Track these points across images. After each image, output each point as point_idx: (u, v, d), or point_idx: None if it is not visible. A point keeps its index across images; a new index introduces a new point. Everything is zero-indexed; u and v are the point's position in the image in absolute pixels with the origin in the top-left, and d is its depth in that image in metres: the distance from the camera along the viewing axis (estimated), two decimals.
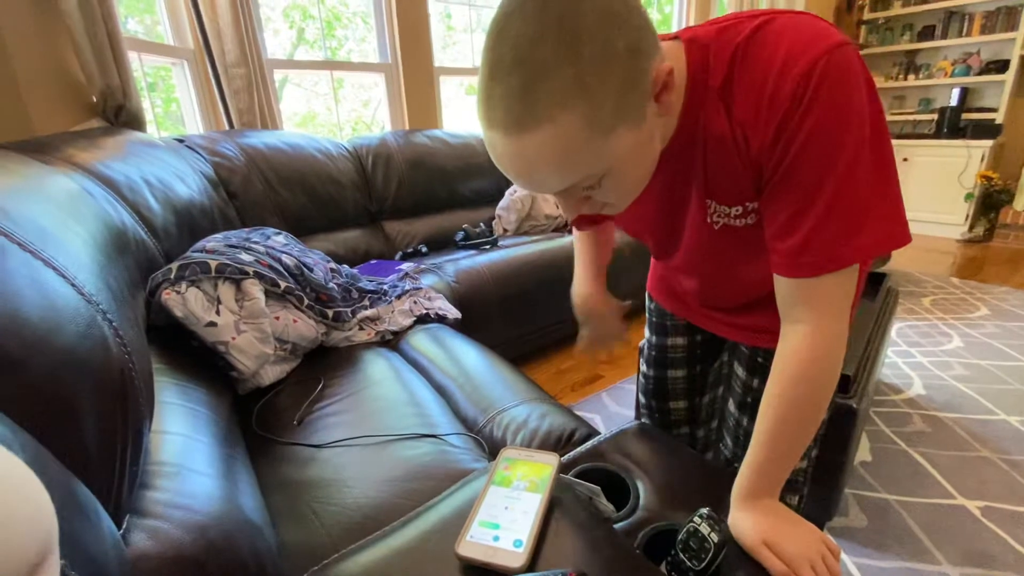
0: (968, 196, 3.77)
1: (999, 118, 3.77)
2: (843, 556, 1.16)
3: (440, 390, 1.15)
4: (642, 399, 1.03)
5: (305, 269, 1.31)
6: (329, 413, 1.00)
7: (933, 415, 1.70)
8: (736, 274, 0.69)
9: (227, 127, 2.06)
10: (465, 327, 1.53)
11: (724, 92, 0.51)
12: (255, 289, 1.13)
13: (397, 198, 2.30)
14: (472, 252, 2.08)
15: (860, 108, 0.48)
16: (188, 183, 1.48)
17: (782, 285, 0.56)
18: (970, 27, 3.90)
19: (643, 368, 1.00)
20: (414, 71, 2.54)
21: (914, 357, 2.09)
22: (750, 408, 0.83)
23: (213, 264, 1.09)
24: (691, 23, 3.49)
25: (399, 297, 1.55)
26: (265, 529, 0.66)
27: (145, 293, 1.02)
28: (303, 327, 1.22)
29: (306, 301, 1.25)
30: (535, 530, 0.56)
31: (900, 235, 0.52)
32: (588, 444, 0.82)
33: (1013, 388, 1.84)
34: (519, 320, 1.99)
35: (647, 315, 0.98)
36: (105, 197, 0.99)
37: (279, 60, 2.28)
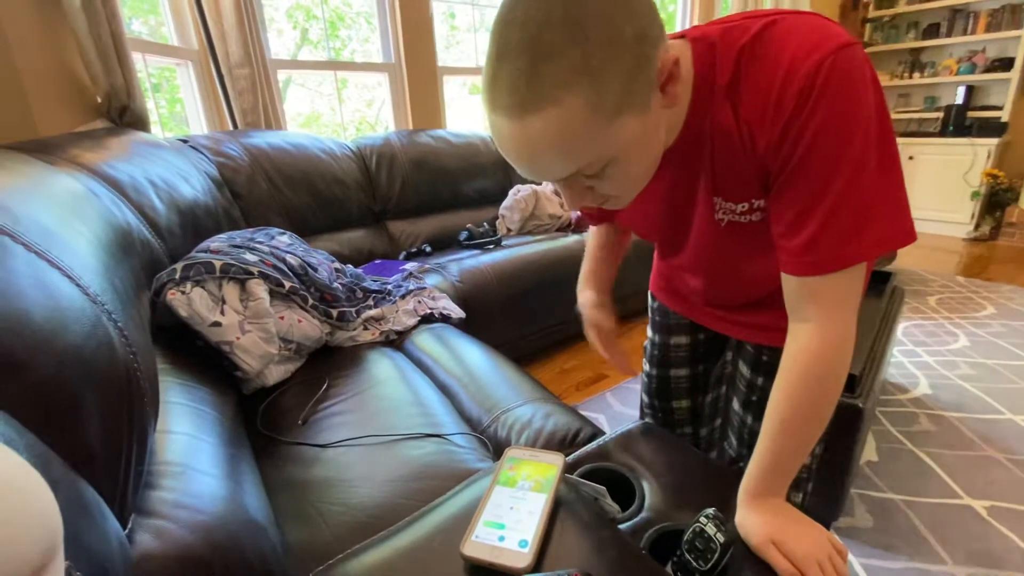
0: (974, 194, 3.74)
1: (1005, 116, 3.75)
2: (849, 556, 1.15)
3: (444, 390, 1.15)
4: (645, 398, 1.03)
5: (309, 269, 1.31)
6: (334, 413, 1.00)
7: (939, 415, 1.69)
8: (742, 271, 0.69)
9: (231, 127, 2.06)
10: (469, 327, 1.53)
11: (731, 91, 0.52)
12: (259, 289, 1.14)
13: (401, 198, 2.30)
14: (476, 252, 2.08)
15: (866, 108, 0.48)
16: (192, 183, 1.49)
17: (789, 283, 0.56)
18: (975, 25, 3.87)
19: (646, 367, 1.00)
20: (418, 71, 2.54)
21: (920, 356, 2.08)
22: (755, 407, 0.83)
23: (218, 264, 1.09)
24: (695, 23, 3.48)
25: (403, 297, 1.55)
26: (270, 529, 0.66)
27: (150, 293, 1.02)
28: (307, 327, 1.22)
29: (310, 301, 1.26)
30: (540, 530, 0.56)
31: (905, 233, 0.52)
32: (593, 444, 0.81)
33: (1020, 387, 1.83)
34: (523, 320, 1.99)
35: (650, 314, 0.98)
36: (110, 197, 1.00)
37: (283, 60, 2.28)
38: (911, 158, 3.91)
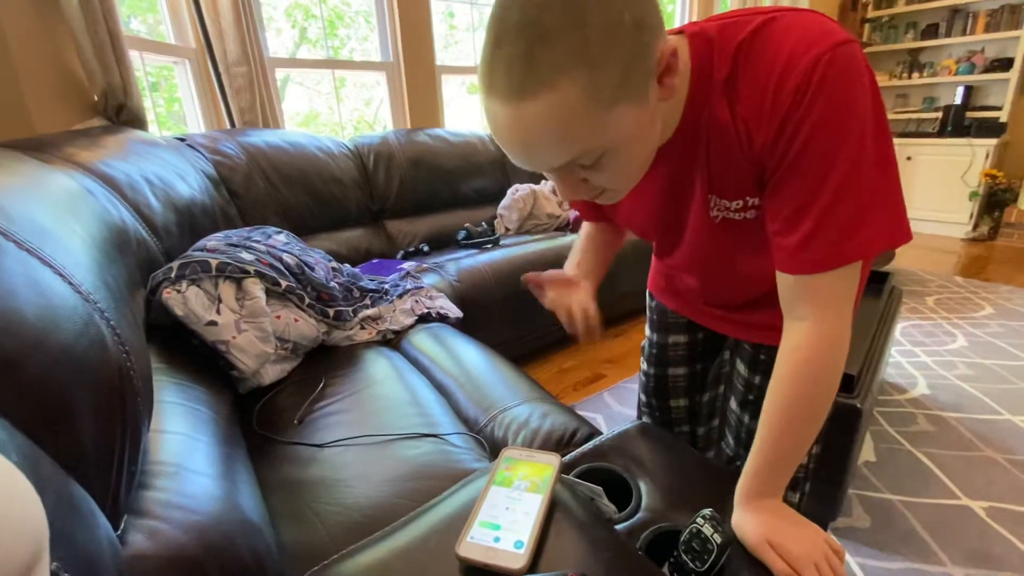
0: (972, 195, 3.74)
1: (1003, 116, 3.75)
2: (847, 557, 1.15)
3: (441, 389, 1.15)
4: (643, 397, 1.03)
5: (306, 268, 1.31)
6: (330, 412, 1.00)
7: (937, 415, 1.69)
8: (737, 270, 0.69)
9: (228, 126, 2.06)
10: (467, 326, 1.53)
11: (728, 87, 0.51)
12: (256, 288, 1.13)
13: (399, 197, 2.29)
14: (474, 251, 2.08)
15: (863, 106, 0.47)
16: (189, 182, 1.48)
17: (784, 281, 0.56)
18: (974, 25, 3.88)
19: (644, 366, 1.00)
20: (416, 70, 2.53)
21: (918, 357, 2.08)
22: (751, 406, 0.83)
23: (214, 263, 1.09)
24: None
25: (400, 296, 1.54)
26: (265, 529, 0.66)
27: (146, 292, 1.02)
28: (304, 326, 1.21)
29: (307, 300, 1.25)
30: (536, 531, 0.55)
31: (901, 232, 0.52)
32: (590, 444, 0.81)
33: (1018, 388, 1.83)
34: (521, 319, 1.98)
35: (648, 314, 0.98)
36: (105, 196, 0.99)
37: (280, 59, 2.28)
38: (909, 158, 3.91)
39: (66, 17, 1.46)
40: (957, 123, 3.83)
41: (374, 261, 2.05)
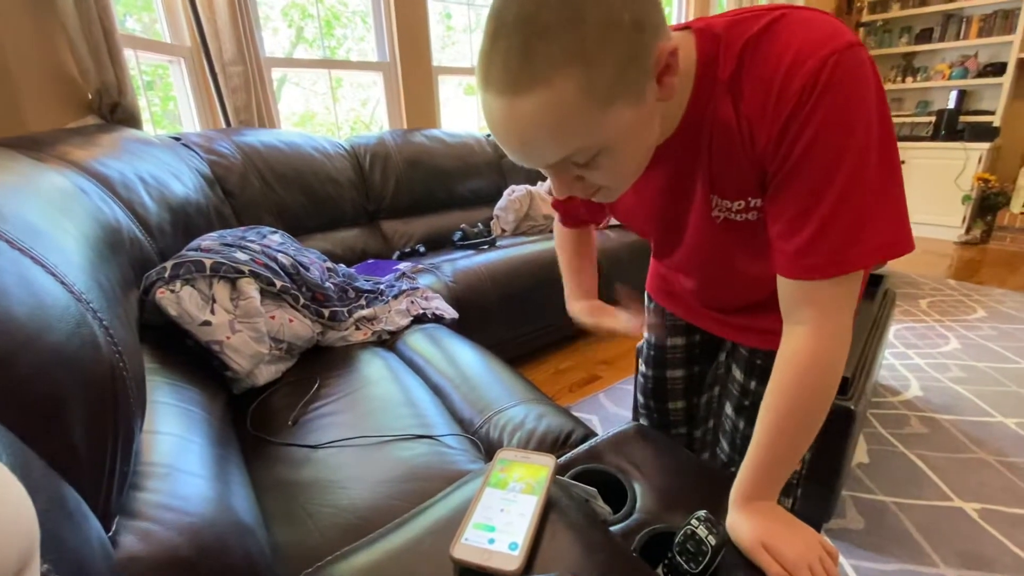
0: (965, 198, 3.77)
1: (996, 121, 3.78)
2: (840, 558, 1.16)
3: (437, 390, 1.15)
4: (640, 399, 1.03)
5: (301, 268, 1.30)
6: (324, 413, 1.00)
7: (930, 417, 1.70)
8: (736, 273, 0.68)
9: (224, 126, 2.05)
10: (462, 327, 1.52)
11: (732, 85, 0.51)
12: (250, 288, 1.13)
13: (395, 197, 2.29)
14: (470, 252, 2.08)
15: (868, 110, 0.47)
16: (184, 181, 1.48)
17: (785, 286, 0.55)
18: (968, 30, 3.91)
19: (642, 368, 1.00)
20: (413, 70, 2.53)
21: (911, 359, 2.09)
22: (747, 411, 0.83)
23: (208, 263, 1.08)
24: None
25: (396, 297, 1.54)
26: (258, 531, 0.66)
27: (139, 292, 1.01)
28: (299, 326, 1.21)
29: (302, 300, 1.25)
30: (531, 533, 0.55)
31: (904, 241, 0.50)
32: (585, 445, 0.81)
33: (1010, 390, 1.84)
34: (517, 320, 1.98)
35: (646, 315, 0.98)
36: (99, 195, 0.99)
37: (277, 58, 2.27)
38: (903, 162, 3.93)
39: (60, 15, 1.45)
40: (950, 127, 3.86)
41: (369, 261, 2.05)
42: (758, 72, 0.49)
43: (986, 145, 3.64)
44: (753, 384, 0.80)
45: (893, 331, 2.35)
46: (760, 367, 0.79)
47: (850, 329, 0.55)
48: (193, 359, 1.01)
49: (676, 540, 0.57)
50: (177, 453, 0.65)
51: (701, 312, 0.84)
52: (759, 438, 0.58)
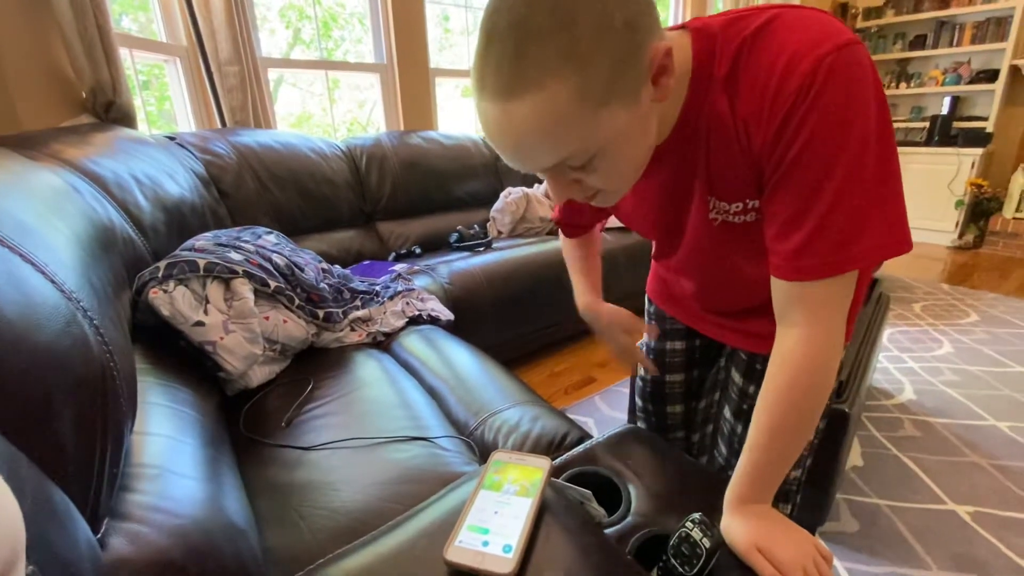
0: (958, 203, 3.80)
1: (989, 127, 3.81)
2: (835, 561, 1.16)
3: (431, 392, 1.14)
4: (638, 403, 1.02)
5: (296, 269, 1.30)
6: (318, 415, 0.99)
7: (924, 420, 1.70)
8: (736, 275, 0.68)
9: (220, 126, 2.04)
10: (458, 329, 1.52)
11: (728, 83, 0.50)
12: (244, 288, 1.12)
13: (391, 199, 2.29)
14: (466, 254, 2.07)
15: (866, 109, 0.46)
16: (179, 181, 1.47)
17: (778, 287, 0.55)
18: (961, 37, 3.94)
19: (641, 371, 1.00)
20: (410, 72, 2.53)
21: (905, 363, 2.10)
22: (745, 415, 0.82)
23: (202, 263, 1.08)
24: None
25: (391, 298, 1.53)
26: (250, 533, 0.65)
27: (132, 292, 1.00)
28: (293, 327, 1.20)
29: (296, 301, 1.24)
30: (525, 535, 0.55)
31: (901, 242, 0.50)
32: (580, 448, 0.81)
33: (1002, 394, 1.85)
34: (512, 322, 1.98)
35: (646, 319, 0.98)
36: (92, 194, 0.98)
37: (273, 59, 2.27)
38: None
39: (55, 13, 1.44)
40: (944, 133, 3.89)
41: (365, 263, 2.04)
42: (754, 71, 0.48)
43: (979, 151, 3.67)
44: (752, 389, 0.80)
45: (887, 335, 2.36)
46: (759, 372, 0.78)
47: (844, 330, 0.55)
48: (186, 360, 1.01)
49: (671, 543, 0.57)
50: (168, 454, 0.65)
51: (701, 316, 0.84)
52: (753, 440, 0.58)
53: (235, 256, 1.16)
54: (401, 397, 1.05)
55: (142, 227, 1.14)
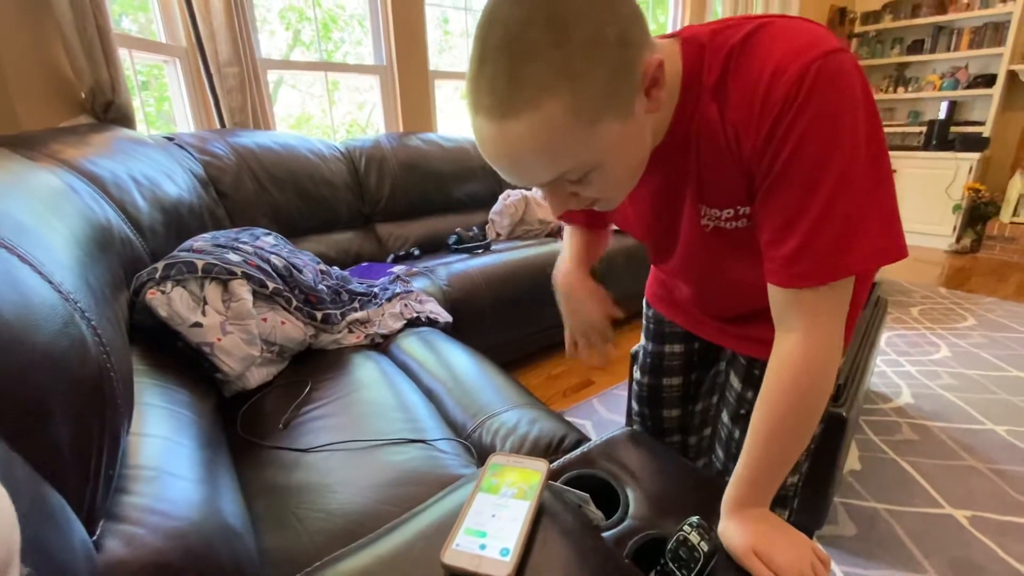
0: (956, 208, 3.82)
1: (986, 131, 3.83)
2: (832, 565, 1.16)
3: (429, 394, 1.14)
4: (635, 406, 1.02)
5: (294, 270, 1.30)
6: (316, 417, 0.99)
7: (921, 424, 1.70)
8: (731, 280, 0.68)
9: (219, 127, 2.04)
10: (456, 331, 1.52)
11: (717, 92, 0.51)
12: (242, 290, 1.12)
13: (390, 200, 2.28)
14: (464, 256, 2.07)
15: (854, 115, 0.47)
16: (177, 182, 1.47)
17: (775, 292, 0.55)
18: (958, 42, 3.96)
19: (637, 375, 0.99)
20: (409, 74, 2.53)
21: (903, 366, 2.10)
22: (743, 420, 0.82)
23: (200, 264, 1.08)
24: None
25: (390, 300, 1.53)
26: (246, 535, 0.65)
27: (129, 292, 1.00)
28: (291, 329, 1.20)
29: (294, 303, 1.24)
30: (522, 538, 0.55)
31: (896, 249, 0.50)
32: (578, 451, 0.81)
33: (1000, 398, 1.86)
34: (511, 325, 1.98)
35: (644, 322, 0.98)
36: (90, 194, 0.98)
37: (272, 60, 2.27)
38: (895, 171, 3.96)
39: (54, 12, 1.44)
40: (941, 137, 3.90)
41: (364, 264, 2.04)
42: (742, 79, 0.49)
43: (976, 155, 3.69)
44: (750, 393, 0.80)
45: (885, 338, 2.36)
46: (757, 377, 0.78)
47: (842, 335, 0.55)
48: (183, 361, 1.00)
49: (668, 546, 0.57)
50: (165, 456, 0.64)
51: (701, 320, 0.83)
52: (751, 444, 0.58)
53: (233, 257, 1.16)
54: (399, 399, 1.05)
55: (140, 228, 1.14)
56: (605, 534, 0.64)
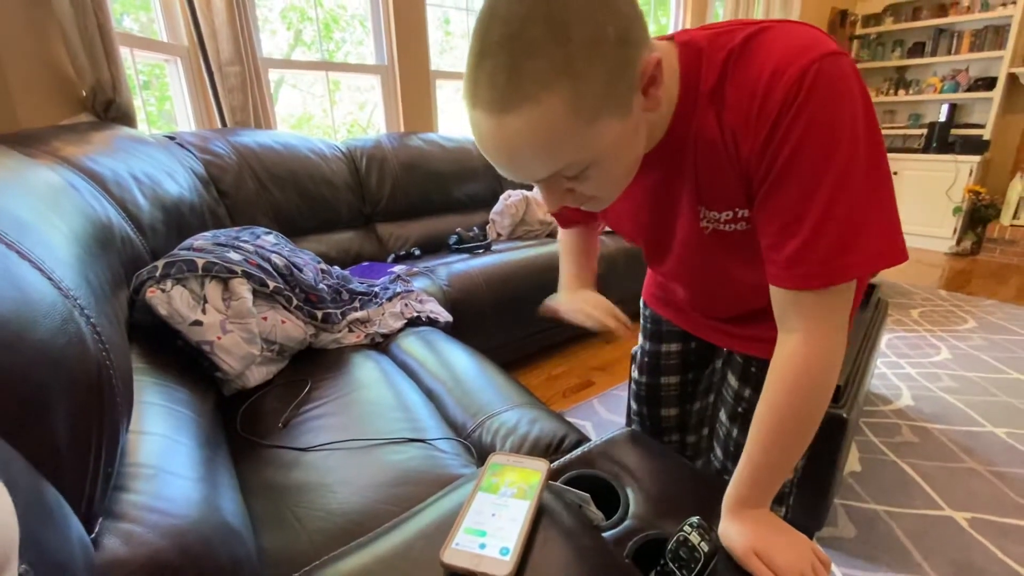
0: (956, 210, 3.82)
1: (987, 134, 3.83)
2: (832, 567, 1.15)
3: (429, 394, 1.14)
4: (634, 405, 1.02)
5: (295, 269, 1.29)
6: (315, 416, 0.99)
7: (921, 426, 1.70)
8: (728, 282, 0.68)
9: (220, 126, 2.04)
10: (456, 331, 1.52)
11: (715, 96, 0.51)
12: (243, 288, 1.12)
13: (391, 200, 2.28)
14: (465, 256, 2.07)
15: (852, 118, 0.46)
16: (178, 180, 1.47)
17: (777, 294, 0.55)
18: (959, 45, 3.97)
19: (635, 375, 1.00)
20: (410, 74, 2.53)
21: (903, 368, 2.10)
22: (741, 419, 0.82)
23: (200, 262, 1.07)
24: None
25: (390, 299, 1.53)
26: (245, 534, 0.64)
27: (129, 291, 1.00)
28: (291, 328, 1.20)
29: (295, 302, 1.24)
30: (522, 538, 0.55)
31: (896, 252, 0.50)
32: (578, 451, 0.81)
33: (1000, 400, 1.85)
34: (511, 325, 1.98)
35: (641, 322, 0.98)
36: (90, 192, 0.98)
37: (274, 60, 2.27)
38: (895, 173, 3.98)
39: (55, 11, 1.44)
40: (942, 140, 3.90)
41: (364, 264, 2.04)
42: (740, 82, 0.49)
43: (976, 158, 3.69)
44: (747, 392, 0.80)
45: (885, 340, 2.36)
46: (754, 375, 0.78)
47: (844, 337, 0.55)
48: (183, 360, 1.00)
49: (669, 547, 0.56)
50: (164, 454, 0.64)
51: (698, 320, 0.84)
52: (752, 445, 0.58)
53: (234, 256, 1.16)
54: (399, 399, 1.05)
55: (140, 226, 1.14)
56: (605, 534, 0.64)
